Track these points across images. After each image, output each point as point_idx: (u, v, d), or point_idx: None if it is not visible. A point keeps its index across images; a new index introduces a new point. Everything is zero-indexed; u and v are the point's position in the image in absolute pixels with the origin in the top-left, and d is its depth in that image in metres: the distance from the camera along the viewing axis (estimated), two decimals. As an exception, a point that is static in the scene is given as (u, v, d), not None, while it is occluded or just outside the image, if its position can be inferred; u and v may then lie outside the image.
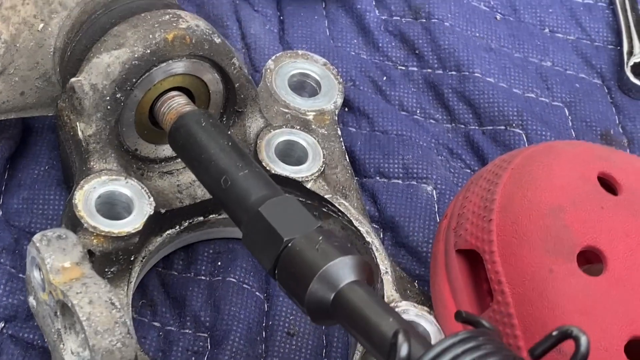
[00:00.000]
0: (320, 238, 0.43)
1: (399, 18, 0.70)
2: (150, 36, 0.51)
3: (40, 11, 0.54)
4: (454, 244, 0.50)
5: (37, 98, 0.57)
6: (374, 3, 0.71)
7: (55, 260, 0.46)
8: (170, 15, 0.52)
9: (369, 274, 0.43)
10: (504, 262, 0.47)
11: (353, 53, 0.68)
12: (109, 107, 0.51)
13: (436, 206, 0.60)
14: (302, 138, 0.56)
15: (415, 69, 0.68)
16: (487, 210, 0.49)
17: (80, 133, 0.51)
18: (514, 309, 0.46)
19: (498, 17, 0.71)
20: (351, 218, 0.53)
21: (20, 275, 0.54)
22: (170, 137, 0.51)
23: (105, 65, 0.50)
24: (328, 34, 0.69)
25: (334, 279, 0.42)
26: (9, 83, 0.55)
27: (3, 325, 0.53)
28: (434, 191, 0.60)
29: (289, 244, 0.43)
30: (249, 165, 0.48)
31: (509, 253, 0.47)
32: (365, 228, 0.53)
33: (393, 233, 0.59)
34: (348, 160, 0.59)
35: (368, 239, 0.53)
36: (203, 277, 0.56)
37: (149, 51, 0.50)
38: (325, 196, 0.54)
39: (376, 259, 0.52)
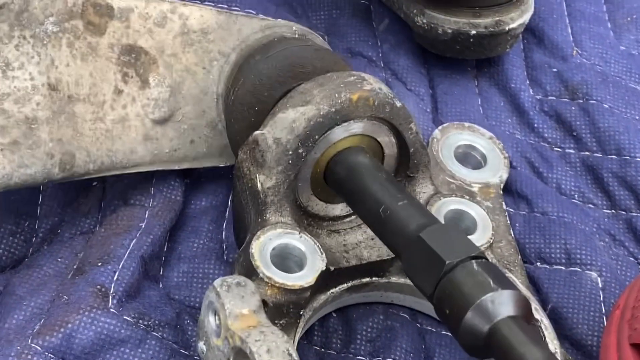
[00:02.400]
0: (481, 269, 0.43)
1: (554, 98, 0.69)
2: (336, 95, 0.51)
3: (201, 59, 0.56)
4: (628, 337, 0.48)
5: (207, 147, 0.58)
6: (528, 82, 0.70)
7: (235, 306, 0.46)
8: (355, 77, 0.53)
9: (527, 312, 0.43)
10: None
11: (507, 132, 0.68)
12: (290, 161, 0.51)
13: (601, 295, 0.57)
14: (471, 208, 0.55)
15: (572, 151, 0.67)
16: (665, 304, 0.47)
17: (259, 185, 0.52)
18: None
19: None
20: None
21: (182, 351, 0.53)
22: (329, 172, 0.53)
23: (290, 120, 0.51)
24: (482, 112, 0.69)
25: (491, 312, 0.42)
26: (178, 131, 0.57)
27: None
28: (599, 279, 0.58)
29: (450, 270, 0.44)
30: (407, 197, 0.49)
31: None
32: (534, 305, 0.52)
33: (556, 325, 0.56)
34: (513, 235, 0.58)
35: (537, 316, 0.52)
36: (362, 358, 0.55)
37: (333, 110, 0.51)
38: (494, 269, 0.53)
39: (544, 337, 0.51)
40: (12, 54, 0.49)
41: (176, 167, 0.58)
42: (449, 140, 0.62)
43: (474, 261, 0.44)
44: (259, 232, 0.51)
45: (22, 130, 0.50)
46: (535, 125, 0.68)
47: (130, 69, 0.54)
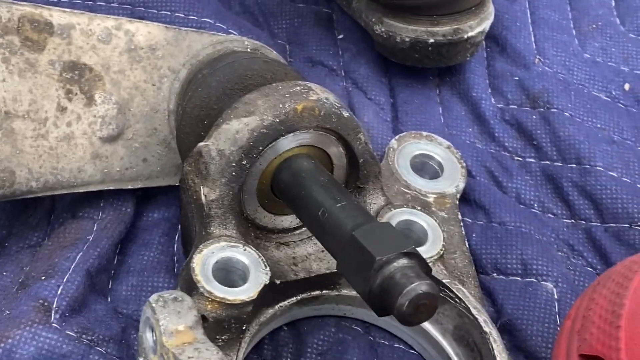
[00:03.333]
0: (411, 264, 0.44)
1: (516, 107, 0.68)
2: (281, 106, 0.51)
3: (150, 76, 0.55)
4: (577, 348, 0.47)
5: (160, 165, 0.57)
6: (489, 91, 0.69)
7: (170, 322, 0.45)
8: (301, 87, 0.52)
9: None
10: (632, 371, 0.44)
11: (468, 142, 0.67)
12: (234, 173, 0.50)
13: (557, 306, 0.56)
14: (422, 219, 0.55)
15: (532, 160, 0.66)
16: (615, 315, 0.46)
17: (203, 197, 0.51)
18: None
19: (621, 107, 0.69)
20: (469, 305, 0.52)
21: (127, 366, 0.52)
22: (274, 180, 0.52)
23: (234, 131, 0.50)
24: (442, 121, 0.68)
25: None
26: (129, 149, 0.56)
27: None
28: (555, 290, 0.57)
29: (381, 267, 0.43)
30: (346, 199, 0.49)
31: (638, 361, 0.44)
32: (483, 317, 0.51)
33: (511, 336, 0.56)
34: (467, 246, 0.57)
35: (486, 328, 0.51)
36: (311, 371, 0.54)
37: (277, 120, 0.50)
38: (444, 280, 0.52)
39: (493, 350, 0.50)
40: None
41: (129, 187, 0.57)
42: (406, 149, 0.61)
43: (404, 257, 0.44)
44: (201, 246, 0.50)
45: None
46: (496, 134, 0.67)
47: (74, 85, 0.53)
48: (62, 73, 0.53)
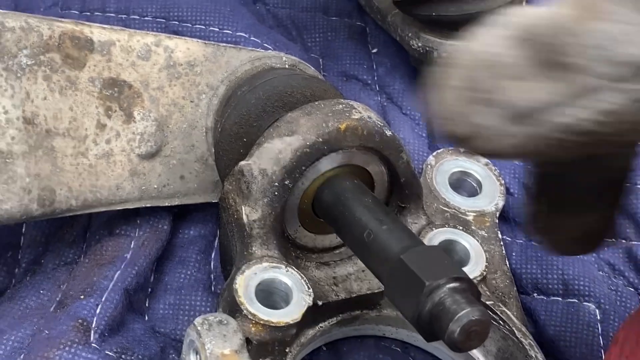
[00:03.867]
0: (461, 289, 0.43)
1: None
2: (324, 125, 0.50)
3: (189, 92, 0.55)
4: (626, 373, 0.47)
5: (198, 182, 0.57)
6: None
7: (216, 346, 0.45)
8: (344, 105, 0.51)
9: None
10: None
11: (506, 158, 0.66)
12: (276, 193, 0.50)
13: (599, 327, 0.56)
14: (464, 239, 0.54)
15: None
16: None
17: (245, 217, 0.50)
18: None
19: None
20: (513, 328, 0.51)
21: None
22: (316, 199, 0.51)
23: (276, 151, 0.50)
24: (480, 135, 0.67)
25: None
26: (167, 166, 0.55)
27: None
28: (597, 311, 0.56)
29: (431, 292, 0.42)
30: (392, 220, 0.48)
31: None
32: (528, 340, 0.51)
33: (553, 358, 0.55)
34: (508, 265, 0.56)
35: (531, 352, 0.50)
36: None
37: (320, 140, 0.50)
38: (487, 302, 0.52)
39: (539, 374, 0.49)
40: None
41: (166, 204, 0.56)
42: (444, 166, 0.60)
43: (454, 282, 0.43)
44: (243, 267, 0.49)
45: None
46: (533, 149, 0.66)
47: (114, 102, 0.52)
48: (102, 90, 0.52)
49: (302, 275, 0.50)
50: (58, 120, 0.51)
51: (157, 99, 0.54)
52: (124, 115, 0.53)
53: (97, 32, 0.52)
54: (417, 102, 0.68)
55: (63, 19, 0.51)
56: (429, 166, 0.60)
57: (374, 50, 0.72)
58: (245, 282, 0.48)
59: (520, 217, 0.61)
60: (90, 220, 0.58)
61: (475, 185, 0.60)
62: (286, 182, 0.50)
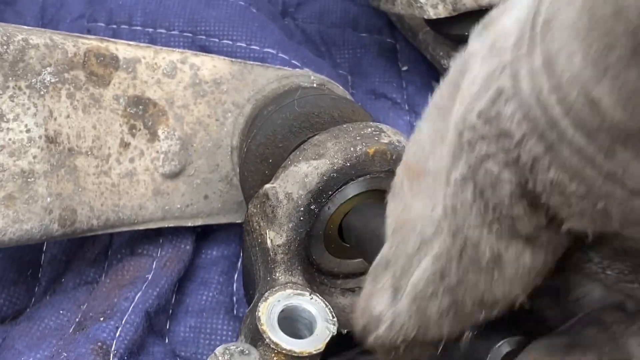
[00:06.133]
0: None
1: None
2: (352, 149, 0.49)
3: (214, 111, 0.54)
4: None
5: (222, 202, 0.56)
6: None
7: (236, 376, 0.44)
8: (372, 129, 0.50)
9: None
10: None
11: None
12: (302, 218, 0.49)
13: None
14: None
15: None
16: None
17: (269, 241, 0.49)
18: None
19: None
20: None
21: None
22: (343, 225, 0.50)
23: (302, 174, 0.49)
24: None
25: None
26: (190, 185, 0.54)
27: None
28: None
29: None
30: None
31: None
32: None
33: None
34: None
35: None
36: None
37: (348, 164, 0.49)
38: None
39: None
40: (6, 105, 0.47)
41: (189, 224, 0.55)
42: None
43: None
44: (267, 293, 0.48)
45: (18, 184, 0.47)
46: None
47: (138, 121, 0.51)
48: (127, 108, 0.51)
49: (326, 303, 0.48)
50: (81, 138, 0.50)
51: (182, 117, 0.53)
52: (148, 134, 0.52)
53: (123, 49, 0.51)
54: None
55: (88, 36, 0.50)
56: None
57: (404, 68, 0.70)
58: (268, 310, 0.47)
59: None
60: (111, 238, 0.57)
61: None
62: (312, 207, 0.49)
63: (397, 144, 0.50)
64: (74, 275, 0.56)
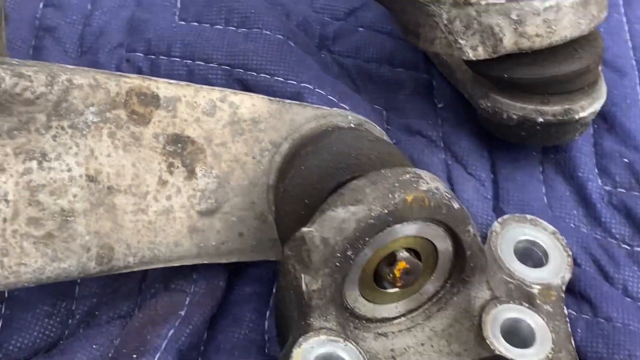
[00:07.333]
0: None
1: (624, 190, 0.65)
2: (390, 196, 0.49)
3: (251, 149, 0.54)
4: None
5: (257, 240, 0.56)
6: (596, 171, 0.66)
7: None
8: (411, 175, 0.50)
9: None
10: None
11: (572, 225, 0.63)
12: (337, 263, 0.48)
13: (667, 412, 0.54)
14: (530, 317, 0.52)
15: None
16: None
17: (304, 286, 0.49)
18: None
19: None
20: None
21: None
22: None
23: (340, 220, 0.48)
24: (546, 201, 0.65)
25: None
26: (226, 223, 0.54)
27: None
28: (667, 395, 0.54)
29: None
30: None
31: None
32: None
33: None
34: (573, 344, 0.54)
35: None
36: None
37: (386, 211, 0.48)
38: (551, 386, 0.50)
39: None
40: (49, 145, 0.47)
41: (224, 261, 0.55)
42: (509, 234, 0.59)
43: None
44: (300, 339, 0.48)
45: (58, 223, 0.48)
46: (603, 219, 0.64)
47: (176, 158, 0.51)
48: (166, 146, 0.51)
49: (360, 349, 0.48)
50: (120, 177, 0.50)
51: (220, 155, 0.53)
52: (186, 172, 0.52)
53: (164, 88, 0.51)
54: (483, 162, 0.66)
55: (130, 75, 0.50)
56: (494, 233, 0.59)
57: (440, 105, 0.70)
58: (302, 356, 0.47)
59: (586, 290, 0.59)
60: (145, 273, 0.58)
61: (541, 255, 0.58)
62: (348, 253, 0.48)
63: (435, 191, 0.49)
64: (108, 309, 0.57)
